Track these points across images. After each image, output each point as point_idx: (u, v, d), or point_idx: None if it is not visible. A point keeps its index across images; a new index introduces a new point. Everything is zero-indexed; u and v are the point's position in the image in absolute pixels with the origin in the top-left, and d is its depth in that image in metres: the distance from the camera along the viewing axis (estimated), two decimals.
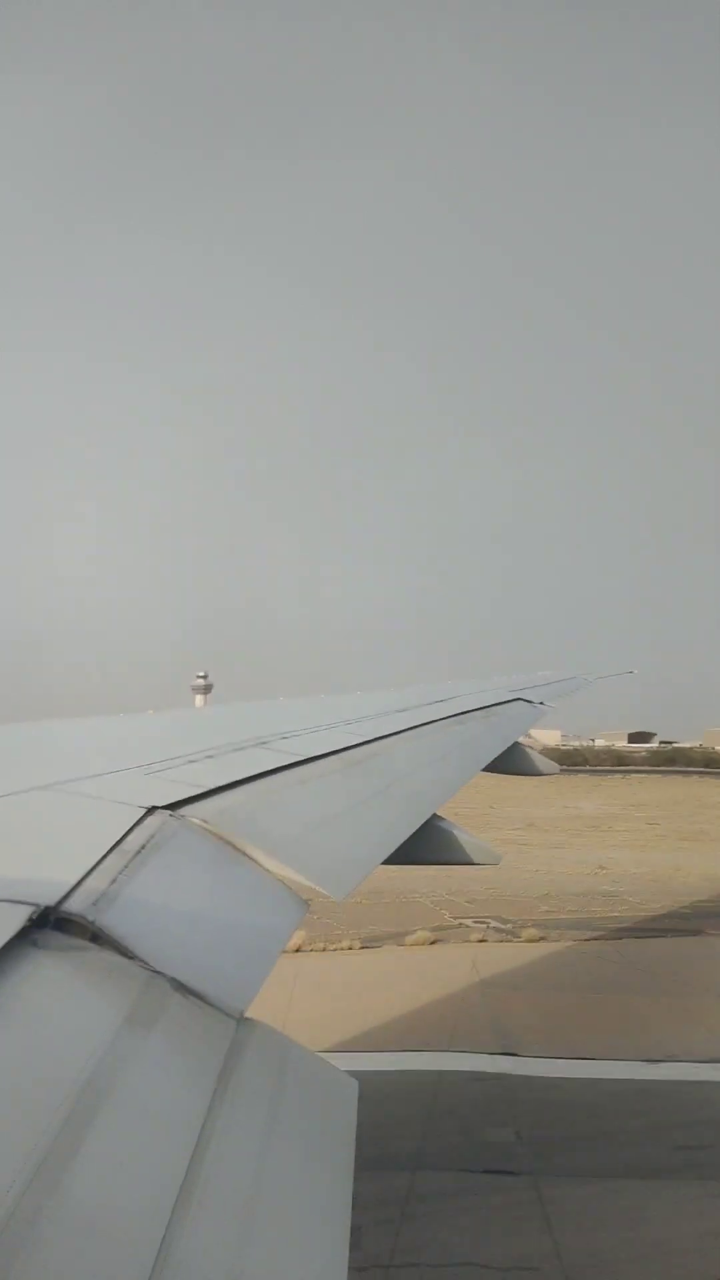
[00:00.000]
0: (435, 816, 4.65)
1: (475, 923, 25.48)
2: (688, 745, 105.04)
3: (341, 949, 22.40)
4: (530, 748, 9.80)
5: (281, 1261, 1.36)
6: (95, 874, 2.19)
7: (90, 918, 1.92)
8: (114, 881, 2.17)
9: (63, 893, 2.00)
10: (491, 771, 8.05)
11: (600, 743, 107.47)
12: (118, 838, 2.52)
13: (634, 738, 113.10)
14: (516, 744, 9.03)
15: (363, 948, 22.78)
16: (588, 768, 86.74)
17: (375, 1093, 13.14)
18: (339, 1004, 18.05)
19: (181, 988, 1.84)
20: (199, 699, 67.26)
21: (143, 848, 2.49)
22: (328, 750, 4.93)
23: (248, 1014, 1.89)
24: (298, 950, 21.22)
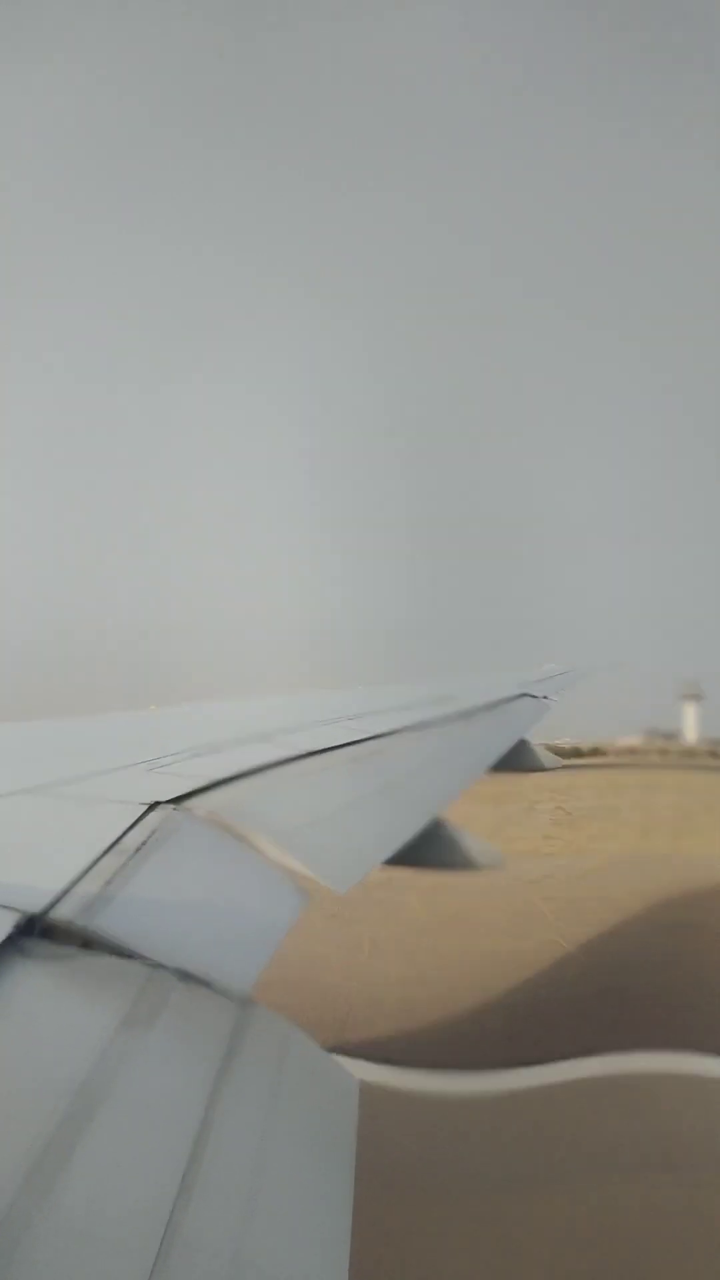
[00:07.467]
0: (438, 818, 4.60)
1: None
2: None
3: None
4: (534, 743, 9.73)
5: (284, 1258, 1.35)
6: (93, 872, 2.19)
7: (82, 921, 1.91)
8: (110, 881, 2.16)
9: (54, 896, 1.99)
10: (497, 771, 7.95)
11: None
12: (118, 834, 2.53)
13: None
14: (522, 740, 9.00)
15: None
16: None
17: None
18: None
19: (186, 976, 1.85)
20: (689, 709, 53.25)
21: (145, 843, 2.50)
22: (332, 746, 4.91)
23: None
24: None
